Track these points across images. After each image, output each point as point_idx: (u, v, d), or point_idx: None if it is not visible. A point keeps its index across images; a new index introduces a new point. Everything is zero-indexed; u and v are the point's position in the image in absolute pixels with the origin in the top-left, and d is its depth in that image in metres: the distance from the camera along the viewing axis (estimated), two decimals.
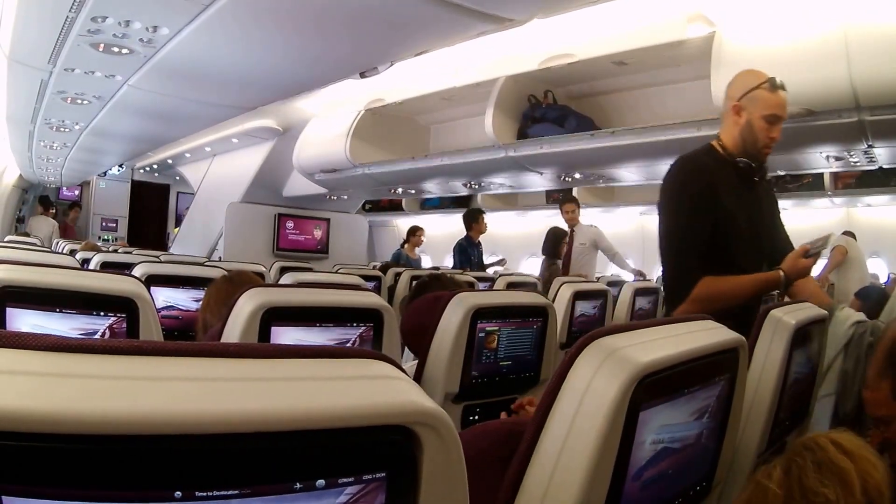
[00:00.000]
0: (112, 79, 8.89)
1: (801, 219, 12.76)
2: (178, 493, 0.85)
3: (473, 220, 12.98)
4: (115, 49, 7.48)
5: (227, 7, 6.00)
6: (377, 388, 1.03)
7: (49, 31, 7.12)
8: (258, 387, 0.94)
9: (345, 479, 0.95)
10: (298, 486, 0.92)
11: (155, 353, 0.94)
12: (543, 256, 11.90)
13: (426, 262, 17.35)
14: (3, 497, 0.78)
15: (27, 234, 17.05)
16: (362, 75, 8.64)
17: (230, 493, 0.88)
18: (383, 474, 0.99)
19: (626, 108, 9.96)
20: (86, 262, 6.46)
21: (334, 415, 0.94)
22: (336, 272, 7.45)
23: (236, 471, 0.88)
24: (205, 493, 0.86)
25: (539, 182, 11.85)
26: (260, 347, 1.03)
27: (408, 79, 10.67)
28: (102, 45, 7.38)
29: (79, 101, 10.27)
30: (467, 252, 12.83)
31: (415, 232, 14.71)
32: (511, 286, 7.76)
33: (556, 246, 11.38)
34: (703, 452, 2.05)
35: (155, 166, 22.20)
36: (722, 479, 2.19)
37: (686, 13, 7.52)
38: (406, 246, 14.71)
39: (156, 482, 0.84)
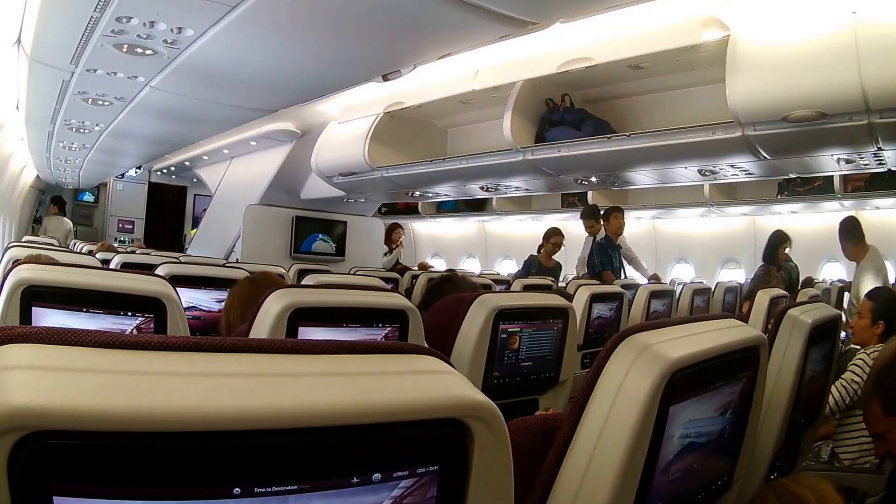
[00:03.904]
0: (134, 80, 8.88)
1: (810, 221, 12.78)
2: (237, 489, 0.87)
3: (605, 218, 11.52)
4: (139, 50, 7.48)
5: (253, 9, 6.01)
6: (430, 383, 1.06)
7: (72, 31, 7.11)
8: (315, 382, 0.96)
9: (400, 473, 0.97)
10: (355, 480, 0.94)
11: (212, 350, 0.96)
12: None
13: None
14: (55, 497, 0.79)
15: (44, 234, 17.10)
16: (385, 78, 8.63)
17: (288, 488, 0.90)
18: (436, 467, 1.01)
19: (642, 112, 9.96)
20: (105, 262, 6.47)
21: (390, 409, 0.96)
22: (353, 275, 7.45)
23: (294, 466, 0.90)
24: (263, 489, 0.88)
25: (555, 185, 11.84)
26: (315, 343, 1.05)
27: (426, 82, 10.64)
28: (126, 46, 7.37)
29: (100, 103, 10.26)
30: (608, 253, 11.28)
31: (550, 236, 12.28)
32: (528, 288, 7.76)
33: (775, 250, 10.37)
34: (726, 448, 2.08)
35: (172, 168, 22.15)
36: (742, 475, 2.22)
37: (701, 18, 7.53)
38: (541, 252, 12.39)
39: (214, 478, 0.86)
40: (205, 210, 21.59)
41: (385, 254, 15.58)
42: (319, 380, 0.97)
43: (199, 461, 0.85)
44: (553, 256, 12.11)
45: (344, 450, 0.94)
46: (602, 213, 11.63)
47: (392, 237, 15.42)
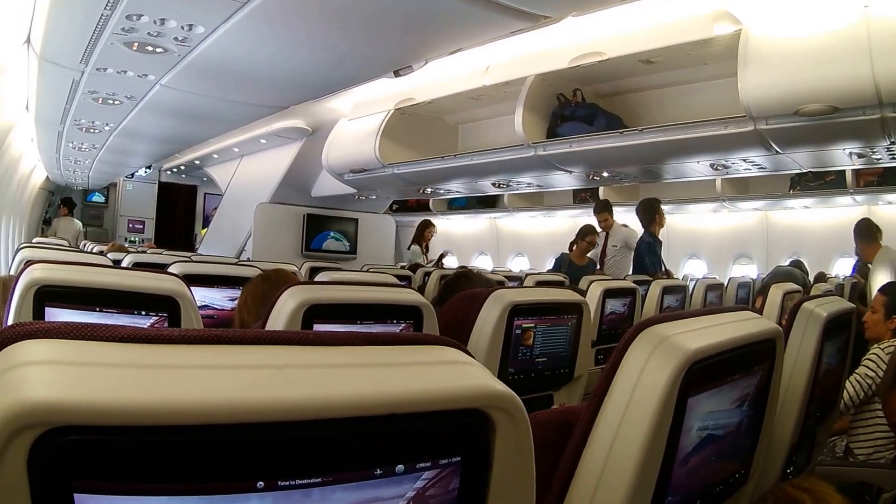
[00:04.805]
0: (144, 78, 8.90)
1: (823, 216, 12.75)
2: (261, 482, 0.86)
3: (656, 211, 10.74)
4: (149, 48, 7.49)
5: (264, 6, 6.01)
6: (452, 373, 1.06)
7: (82, 30, 7.12)
8: (338, 373, 0.95)
9: (423, 464, 0.97)
10: (378, 472, 0.94)
11: (234, 342, 0.96)
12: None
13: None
14: (75, 494, 0.78)
15: (53, 235, 17.12)
16: (396, 73, 8.62)
17: (312, 481, 0.89)
18: (458, 458, 1.01)
19: (654, 107, 9.96)
20: (116, 262, 6.46)
21: (414, 399, 0.96)
22: (366, 272, 7.44)
23: (318, 458, 0.89)
24: (287, 483, 0.87)
25: (567, 181, 11.80)
26: (337, 335, 1.04)
27: (437, 78, 10.63)
28: (136, 44, 7.38)
29: (110, 102, 10.29)
30: (657, 251, 10.67)
31: (585, 234, 11.51)
32: (540, 285, 7.74)
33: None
34: (743, 441, 2.09)
35: (182, 167, 22.15)
36: (759, 469, 2.22)
37: (712, 12, 7.53)
38: (573, 249, 11.63)
39: (237, 472, 0.85)
40: (215, 209, 21.61)
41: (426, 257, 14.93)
42: (343, 371, 0.96)
43: (222, 455, 0.84)
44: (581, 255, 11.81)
45: (367, 441, 0.93)
46: (641, 208, 11.04)
47: (424, 235, 14.97)
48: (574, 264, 11.34)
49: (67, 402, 0.77)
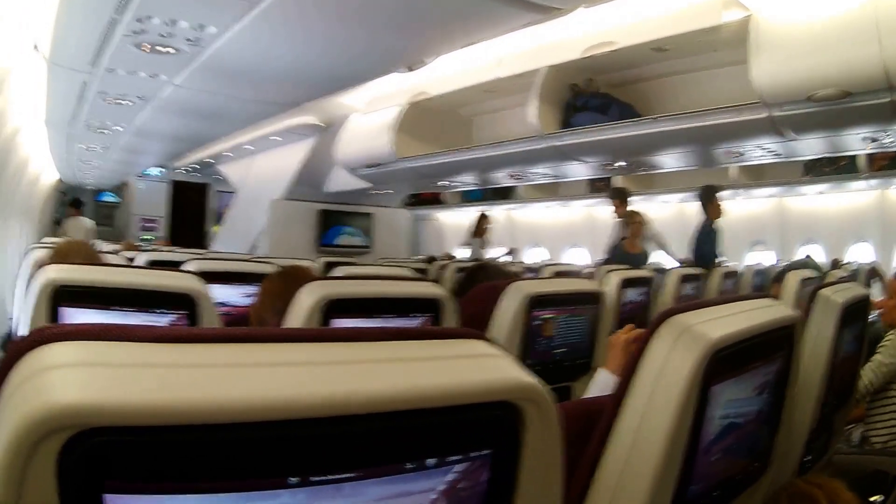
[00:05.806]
0: (156, 79, 8.88)
1: (837, 201, 12.71)
2: (293, 479, 0.86)
3: (708, 199, 10.26)
4: (161, 49, 7.45)
5: (275, 3, 6.00)
6: (482, 366, 1.06)
7: (92, 33, 7.10)
8: (368, 369, 0.96)
9: (453, 457, 0.97)
10: (409, 465, 0.94)
11: (263, 340, 0.96)
12: None
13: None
14: (105, 496, 0.78)
15: (64, 235, 17.14)
16: (409, 67, 8.62)
17: (344, 476, 0.89)
18: (488, 451, 1.01)
19: (667, 95, 9.96)
20: (130, 261, 6.45)
21: (445, 393, 0.96)
22: (382, 265, 7.45)
23: (349, 454, 0.90)
24: (319, 478, 0.87)
25: (582, 171, 11.80)
26: (366, 331, 1.04)
27: (450, 71, 10.67)
28: (147, 46, 7.36)
29: (121, 103, 10.27)
30: (714, 239, 10.24)
31: (634, 216, 10.75)
32: (559, 276, 7.74)
33: None
34: (762, 429, 2.09)
35: (195, 166, 22.18)
36: (778, 457, 2.22)
37: None
38: (627, 237, 10.75)
39: (270, 469, 0.85)
40: (227, 206, 21.62)
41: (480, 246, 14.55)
42: (373, 366, 0.97)
43: (253, 452, 0.84)
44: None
45: (398, 435, 0.93)
46: (703, 194, 10.46)
47: (480, 228, 14.54)
48: (628, 253, 10.74)
49: (97, 404, 0.77)
